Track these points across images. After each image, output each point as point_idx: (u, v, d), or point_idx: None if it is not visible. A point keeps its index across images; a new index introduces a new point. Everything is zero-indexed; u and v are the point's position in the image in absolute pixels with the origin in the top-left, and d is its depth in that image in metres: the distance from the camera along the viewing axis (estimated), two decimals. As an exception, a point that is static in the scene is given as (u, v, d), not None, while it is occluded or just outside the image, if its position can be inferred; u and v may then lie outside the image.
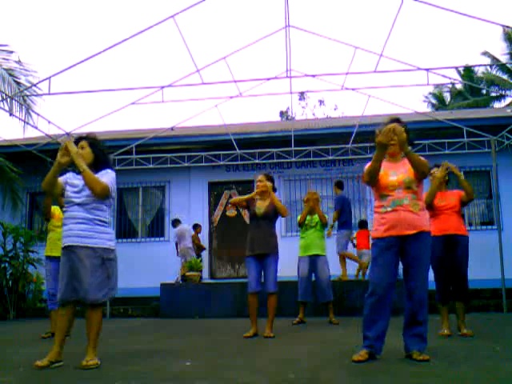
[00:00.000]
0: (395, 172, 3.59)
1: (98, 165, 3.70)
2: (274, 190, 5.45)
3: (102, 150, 3.81)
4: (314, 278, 6.74)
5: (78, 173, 3.64)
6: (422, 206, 3.58)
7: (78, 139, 3.77)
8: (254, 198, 5.45)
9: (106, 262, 3.54)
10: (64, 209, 3.65)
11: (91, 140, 3.74)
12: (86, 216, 3.53)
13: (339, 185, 8.81)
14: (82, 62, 6.54)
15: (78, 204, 3.55)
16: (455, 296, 4.98)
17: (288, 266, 9.19)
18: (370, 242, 7.00)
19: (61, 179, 3.67)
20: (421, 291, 3.47)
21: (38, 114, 8.11)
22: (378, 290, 3.46)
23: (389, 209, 3.51)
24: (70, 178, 3.68)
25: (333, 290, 6.74)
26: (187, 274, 8.77)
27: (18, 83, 9.45)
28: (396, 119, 3.72)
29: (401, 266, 3.62)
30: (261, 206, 5.37)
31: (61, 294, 3.53)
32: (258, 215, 5.31)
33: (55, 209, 5.82)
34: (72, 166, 3.68)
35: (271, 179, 5.53)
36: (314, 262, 6.61)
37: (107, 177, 3.63)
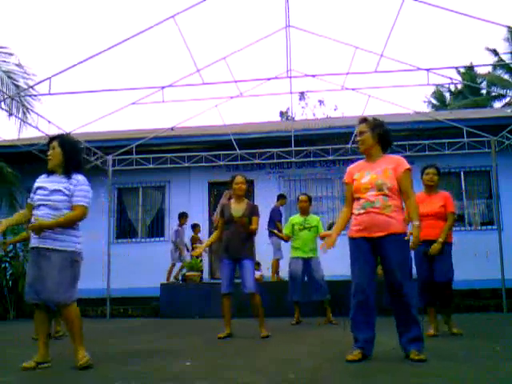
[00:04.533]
0: (369, 172, 3.59)
1: (68, 166, 3.65)
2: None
3: (74, 151, 3.75)
4: (305, 279, 6.71)
5: (49, 175, 3.65)
6: (396, 207, 3.51)
7: (51, 139, 3.73)
8: (227, 202, 5.42)
9: (74, 264, 3.54)
10: (34, 211, 3.59)
11: (61, 140, 3.70)
12: (55, 219, 3.50)
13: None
14: (83, 62, 6.55)
15: (49, 207, 3.52)
16: (440, 304, 4.95)
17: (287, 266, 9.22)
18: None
19: (31, 197, 3.66)
20: (402, 293, 3.44)
21: (38, 114, 8.11)
22: (358, 290, 3.48)
23: (361, 211, 3.52)
24: (41, 181, 3.66)
25: (330, 291, 6.74)
26: (187, 274, 8.77)
27: (17, 86, 9.43)
28: (362, 119, 3.74)
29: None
30: (238, 208, 5.31)
31: (27, 296, 3.52)
32: (236, 218, 5.26)
33: None
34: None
35: (248, 182, 5.51)
36: (307, 263, 6.59)
37: (81, 193, 3.58)
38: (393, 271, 3.45)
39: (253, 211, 5.36)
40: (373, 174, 3.56)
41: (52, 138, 3.74)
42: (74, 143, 3.81)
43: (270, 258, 9.13)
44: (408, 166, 3.60)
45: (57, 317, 5.78)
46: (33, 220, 3.55)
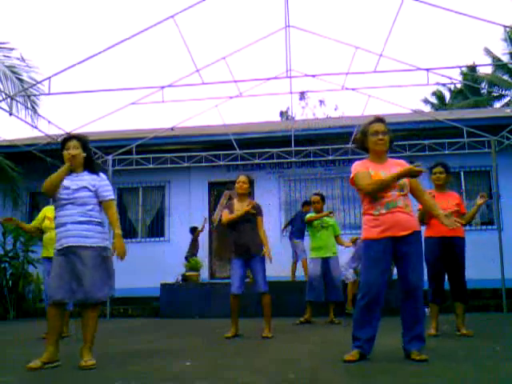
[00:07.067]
0: (385, 173, 3.57)
1: (88, 165, 3.72)
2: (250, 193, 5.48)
3: (91, 151, 3.84)
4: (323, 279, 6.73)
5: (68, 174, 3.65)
6: (411, 207, 3.60)
7: (70, 138, 3.74)
8: (231, 203, 5.42)
9: (106, 260, 3.59)
10: (58, 211, 3.61)
11: (84, 141, 3.73)
12: (84, 216, 3.54)
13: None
14: (82, 61, 6.55)
15: (74, 204, 3.55)
16: (454, 297, 4.98)
17: (288, 266, 9.23)
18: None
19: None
20: (417, 290, 3.48)
21: (38, 114, 8.11)
22: (371, 292, 3.47)
23: (383, 211, 3.50)
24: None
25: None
26: (187, 274, 8.78)
27: (21, 80, 9.41)
28: (380, 119, 3.72)
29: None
30: (241, 208, 5.33)
31: (58, 295, 3.48)
32: (245, 213, 5.25)
33: (48, 210, 5.78)
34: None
35: (250, 182, 5.49)
36: (326, 262, 6.62)
37: (109, 187, 3.71)
38: (412, 269, 3.49)
39: (257, 211, 5.38)
40: (389, 174, 3.56)
41: (71, 138, 3.74)
42: (89, 143, 3.84)
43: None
44: None
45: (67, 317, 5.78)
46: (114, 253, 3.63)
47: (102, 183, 3.68)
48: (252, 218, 5.33)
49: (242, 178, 5.41)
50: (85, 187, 3.60)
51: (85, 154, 3.69)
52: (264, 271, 5.28)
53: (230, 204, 5.48)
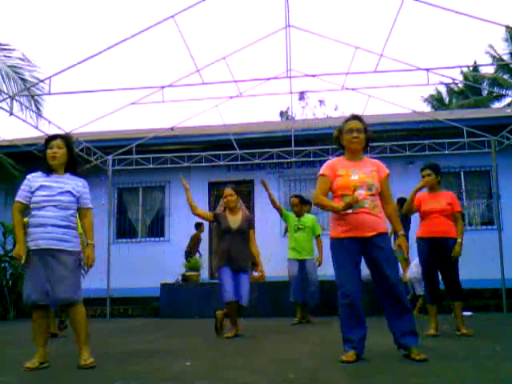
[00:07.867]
0: (356, 171, 3.54)
1: (71, 166, 3.69)
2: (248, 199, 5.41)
3: (75, 152, 3.81)
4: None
5: (48, 174, 3.60)
6: (380, 207, 3.54)
7: (54, 137, 3.69)
8: (223, 214, 5.35)
9: (80, 264, 3.60)
10: (36, 211, 3.51)
11: (68, 141, 3.70)
12: (64, 220, 3.52)
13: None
14: (82, 61, 6.55)
15: (58, 207, 3.51)
16: (451, 296, 4.97)
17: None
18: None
19: (27, 196, 3.56)
20: (395, 287, 3.43)
21: (41, 115, 8.11)
22: (346, 292, 3.44)
23: (349, 211, 3.45)
24: (42, 180, 3.58)
25: (327, 291, 6.78)
26: (187, 274, 8.78)
27: (24, 80, 9.39)
28: (356, 116, 3.68)
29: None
30: (234, 220, 5.29)
31: (32, 296, 3.45)
32: (233, 230, 5.23)
33: None
34: (42, 167, 3.67)
35: (238, 192, 5.42)
36: (302, 264, 6.59)
37: (88, 196, 3.70)
38: (384, 269, 3.44)
39: (249, 224, 5.35)
40: (361, 173, 3.53)
41: (55, 137, 3.70)
42: (73, 144, 3.83)
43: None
44: (388, 171, 3.66)
45: (62, 317, 5.77)
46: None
47: (85, 190, 3.68)
48: (245, 230, 5.29)
49: (228, 191, 5.32)
50: (69, 191, 3.56)
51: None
52: (249, 287, 5.23)
53: (220, 215, 5.36)
